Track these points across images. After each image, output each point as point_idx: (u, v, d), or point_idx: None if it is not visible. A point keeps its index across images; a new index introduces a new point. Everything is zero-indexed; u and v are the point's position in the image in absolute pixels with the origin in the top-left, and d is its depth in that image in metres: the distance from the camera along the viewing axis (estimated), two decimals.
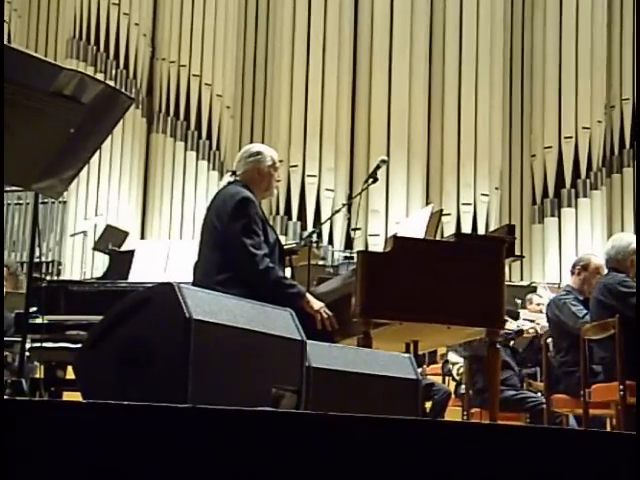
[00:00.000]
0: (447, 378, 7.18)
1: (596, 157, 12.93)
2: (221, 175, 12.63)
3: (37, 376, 5.17)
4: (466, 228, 12.42)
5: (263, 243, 3.97)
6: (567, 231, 12.77)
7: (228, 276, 3.90)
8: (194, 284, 3.85)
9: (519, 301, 8.14)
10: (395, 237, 4.14)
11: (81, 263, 11.49)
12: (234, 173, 4.24)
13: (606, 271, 5.11)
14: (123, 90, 2.93)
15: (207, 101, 12.64)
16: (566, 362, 5.28)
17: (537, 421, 5.69)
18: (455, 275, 3.93)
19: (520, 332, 6.29)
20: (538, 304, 7.72)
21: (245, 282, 3.86)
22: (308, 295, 4.00)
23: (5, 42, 2.84)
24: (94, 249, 10.60)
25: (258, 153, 4.21)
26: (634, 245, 5.00)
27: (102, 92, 2.55)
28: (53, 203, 11.72)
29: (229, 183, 4.22)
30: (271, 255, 4.02)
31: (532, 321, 6.60)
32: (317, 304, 3.95)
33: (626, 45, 13.29)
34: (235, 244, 3.93)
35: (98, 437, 1.69)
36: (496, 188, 12.91)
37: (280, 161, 4.40)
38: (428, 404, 6.20)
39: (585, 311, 5.16)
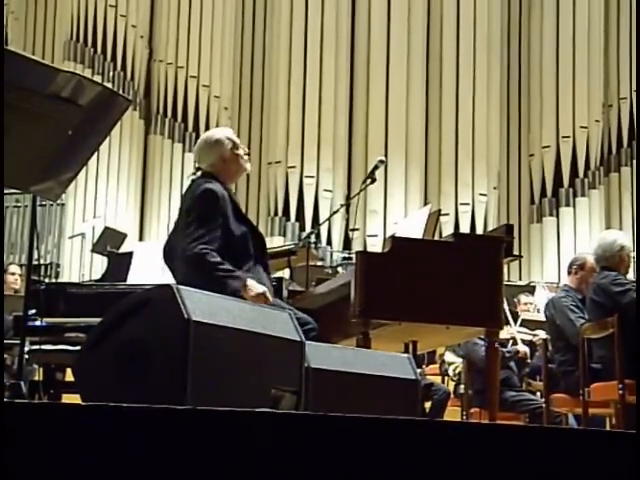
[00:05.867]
0: (446, 378, 7.19)
1: (594, 156, 12.93)
2: None
3: (36, 379, 5.16)
4: (464, 228, 12.42)
5: (212, 235, 3.79)
6: (565, 230, 12.76)
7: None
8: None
9: (515, 300, 8.13)
10: (393, 237, 4.14)
11: (79, 265, 11.49)
12: (198, 169, 4.09)
13: (598, 270, 5.12)
14: (120, 92, 2.93)
15: (205, 102, 12.64)
16: (565, 361, 5.28)
17: (536, 423, 5.69)
18: (453, 275, 3.93)
19: (518, 353, 6.33)
20: (525, 303, 7.73)
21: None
22: (249, 280, 3.73)
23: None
24: (92, 251, 10.61)
25: (216, 142, 4.05)
26: (619, 241, 5.02)
27: (100, 94, 2.56)
28: (51, 205, 11.71)
29: (193, 181, 4.07)
30: (238, 248, 3.86)
31: (532, 329, 6.61)
32: (258, 287, 3.71)
33: (623, 44, 13.29)
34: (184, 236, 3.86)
35: (97, 439, 1.69)
36: (494, 188, 12.90)
37: (245, 150, 4.21)
38: (427, 404, 6.21)
39: (582, 320, 5.15)
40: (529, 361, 6.44)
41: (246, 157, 4.16)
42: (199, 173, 4.08)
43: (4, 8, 11.87)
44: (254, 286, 3.70)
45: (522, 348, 6.32)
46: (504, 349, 6.09)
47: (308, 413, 2.54)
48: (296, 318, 3.64)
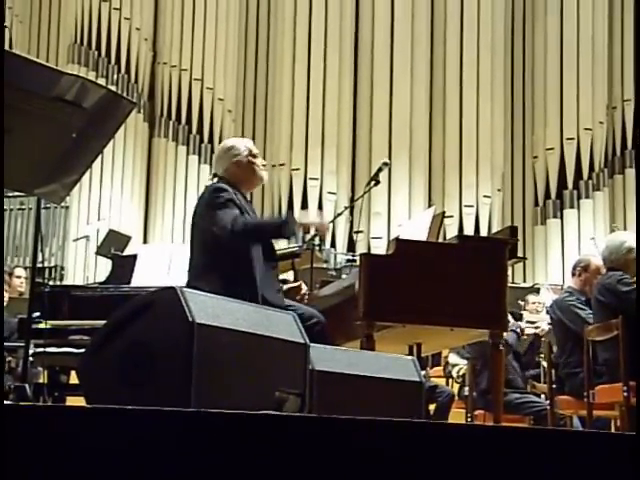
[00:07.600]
0: (450, 380, 7.18)
1: (598, 158, 12.91)
2: None
3: (41, 381, 5.17)
4: (468, 230, 12.40)
5: (232, 215, 3.90)
6: (569, 232, 12.75)
7: (215, 275, 3.85)
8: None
9: (522, 303, 8.14)
10: (397, 240, 4.14)
11: (84, 268, 11.50)
12: (215, 175, 4.21)
13: (604, 271, 5.11)
14: (125, 95, 2.94)
15: (209, 105, 12.64)
16: (570, 363, 5.27)
17: (541, 425, 5.68)
18: (458, 277, 3.93)
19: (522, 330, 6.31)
20: (534, 302, 7.72)
21: (231, 281, 3.80)
22: (295, 214, 4.03)
23: (6, 48, 2.84)
24: (97, 254, 10.60)
25: (231, 148, 4.17)
26: (628, 244, 4.97)
27: (104, 97, 2.56)
28: (56, 208, 11.72)
29: (206, 187, 4.21)
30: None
31: (533, 322, 6.60)
32: (311, 215, 3.95)
33: (627, 46, 13.28)
34: (211, 228, 3.91)
35: (102, 442, 1.69)
36: (498, 190, 12.89)
37: (262, 159, 4.32)
38: (432, 406, 6.20)
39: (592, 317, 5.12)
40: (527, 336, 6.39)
41: (264, 167, 4.25)
42: (215, 179, 4.18)
43: (6, 10, 11.90)
44: (304, 215, 3.86)
45: (524, 325, 6.29)
46: (510, 328, 6.04)
47: (312, 415, 2.54)
48: (301, 312, 3.70)
